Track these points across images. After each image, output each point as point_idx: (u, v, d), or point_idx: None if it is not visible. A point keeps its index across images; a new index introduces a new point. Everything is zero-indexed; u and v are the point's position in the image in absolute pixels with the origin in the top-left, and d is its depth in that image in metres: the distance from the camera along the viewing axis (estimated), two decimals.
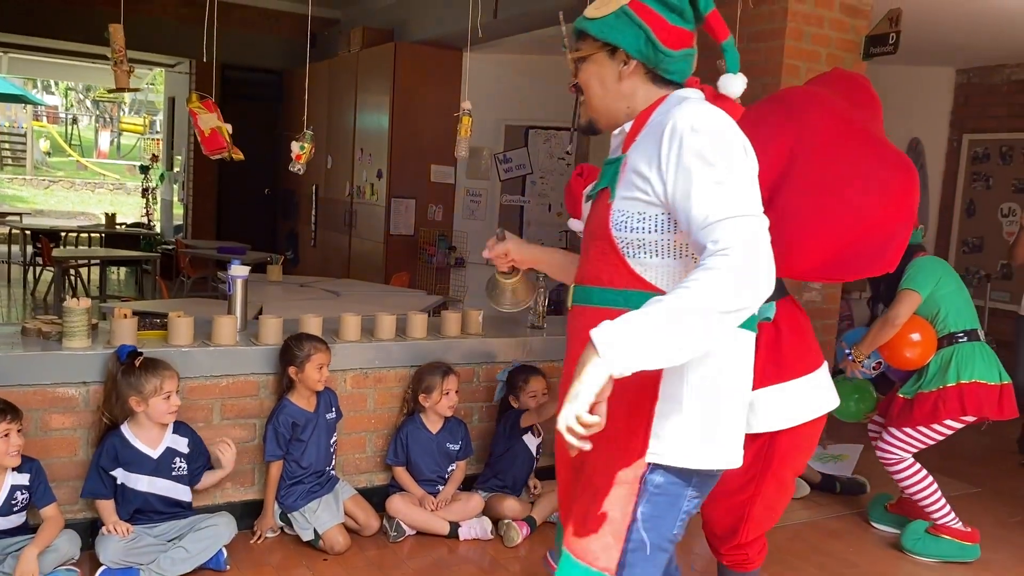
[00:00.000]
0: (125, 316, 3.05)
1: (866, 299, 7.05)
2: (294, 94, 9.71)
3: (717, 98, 1.75)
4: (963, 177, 6.82)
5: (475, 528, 3.36)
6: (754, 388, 2.30)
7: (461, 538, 3.33)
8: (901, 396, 3.52)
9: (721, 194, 1.46)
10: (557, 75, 7.13)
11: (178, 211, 11.57)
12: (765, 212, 2.10)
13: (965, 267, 6.75)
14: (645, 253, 1.59)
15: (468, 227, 8.16)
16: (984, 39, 5.71)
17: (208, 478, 3.07)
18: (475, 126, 7.68)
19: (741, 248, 1.41)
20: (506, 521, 3.37)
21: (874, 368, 3.63)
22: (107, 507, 2.87)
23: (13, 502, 2.71)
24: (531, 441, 3.59)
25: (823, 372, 2.54)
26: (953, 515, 3.45)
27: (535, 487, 3.57)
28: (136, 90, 3.91)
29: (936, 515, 3.44)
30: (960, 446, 4.79)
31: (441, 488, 3.44)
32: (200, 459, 3.05)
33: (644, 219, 1.58)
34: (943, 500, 3.45)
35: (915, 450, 3.47)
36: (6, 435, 2.63)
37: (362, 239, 8.26)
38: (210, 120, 3.44)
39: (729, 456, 1.66)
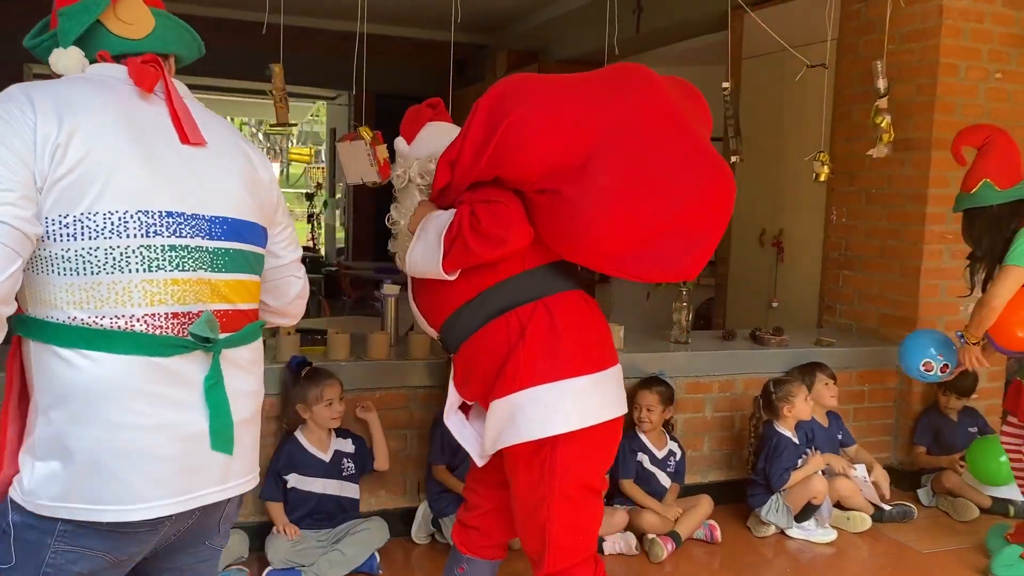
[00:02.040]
0: (289, 333, 3.29)
1: None
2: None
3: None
4: None
5: (619, 543, 3.37)
6: (525, 386, 2.15)
7: (605, 553, 3.35)
8: (1022, 381, 3.16)
9: None
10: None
11: (340, 234, 12.21)
12: (573, 186, 2.05)
13: None
14: None
15: None
16: None
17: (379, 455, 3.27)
18: None
19: None
20: (651, 536, 3.36)
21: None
22: (278, 509, 3.11)
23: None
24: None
25: (612, 374, 2.29)
26: None
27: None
28: (293, 124, 4.21)
29: None
30: None
31: None
32: (364, 457, 3.24)
33: None
34: None
35: None
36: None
37: None
38: (383, 151, 3.67)
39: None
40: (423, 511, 3.39)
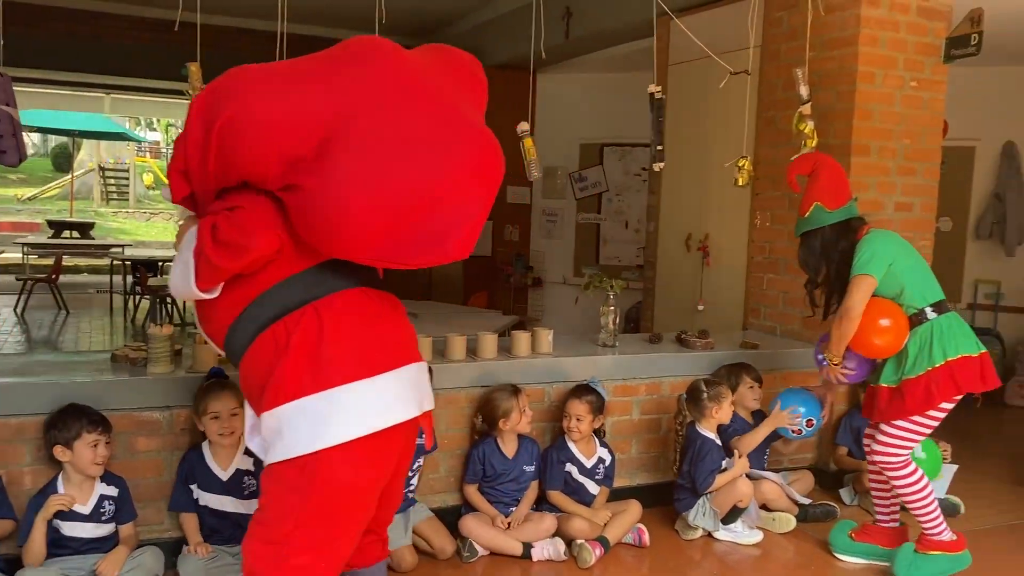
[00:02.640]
0: (204, 342, 3.17)
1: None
2: None
3: None
4: None
5: (548, 549, 3.34)
6: (290, 398, 2.02)
7: (534, 559, 3.31)
8: (885, 386, 3.22)
9: None
10: (630, 91, 7.13)
11: None
12: (313, 178, 1.94)
13: None
14: None
15: (545, 246, 8.19)
16: None
17: None
18: (551, 146, 7.76)
19: None
20: (579, 542, 3.35)
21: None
22: (190, 522, 3.00)
23: (102, 511, 2.85)
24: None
25: (400, 376, 2.14)
26: (944, 524, 3.20)
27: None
28: None
29: (930, 524, 3.18)
30: None
31: (515, 510, 3.44)
32: None
33: None
34: (938, 507, 3.20)
35: (915, 444, 3.18)
36: (95, 445, 2.79)
37: None
38: None
39: None
40: None
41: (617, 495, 3.67)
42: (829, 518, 3.83)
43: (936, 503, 3.21)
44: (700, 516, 3.57)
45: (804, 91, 3.97)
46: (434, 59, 2.17)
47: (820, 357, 3.37)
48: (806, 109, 3.95)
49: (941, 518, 3.21)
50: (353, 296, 2.13)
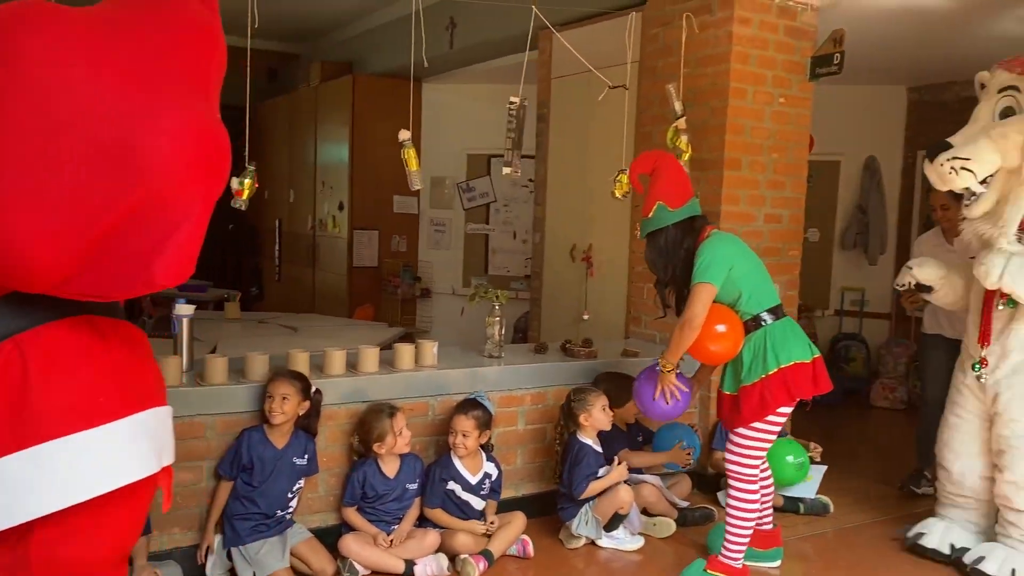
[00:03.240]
0: None
1: (828, 314, 7.10)
2: (257, 129, 9.67)
3: None
4: (919, 193, 6.89)
5: (431, 565, 3.29)
6: None
7: None
8: (727, 393, 3.26)
9: None
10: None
11: None
12: None
13: None
14: None
15: (433, 257, 8.13)
16: (932, 57, 5.80)
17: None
18: (438, 156, 7.72)
19: None
20: (463, 557, 3.31)
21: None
22: None
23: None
24: None
25: (134, 424, 1.78)
26: (742, 554, 3.25)
27: (492, 521, 3.50)
28: None
29: (733, 547, 3.23)
30: None
31: (396, 527, 3.38)
32: None
33: None
34: (748, 538, 3.25)
35: (763, 450, 3.20)
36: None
37: (325, 272, 8.20)
38: None
39: None
40: (217, 546, 3.16)
41: (503, 506, 3.65)
42: (708, 521, 3.93)
43: (749, 533, 3.24)
44: (583, 525, 3.59)
45: (678, 106, 4.08)
46: (127, 23, 1.64)
47: (655, 361, 3.36)
48: (681, 124, 4.06)
49: (744, 547, 3.24)
50: (70, 327, 1.73)
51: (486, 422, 3.48)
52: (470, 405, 3.49)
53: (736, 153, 4.32)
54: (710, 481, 4.34)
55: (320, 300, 8.24)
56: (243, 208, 3.31)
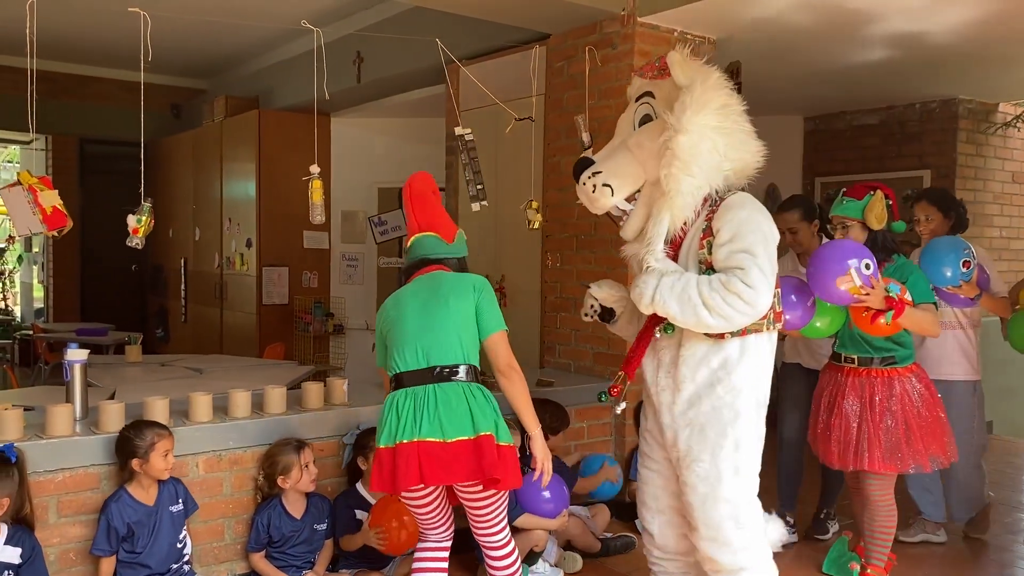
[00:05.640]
0: None
1: None
2: (160, 165, 9.39)
3: None
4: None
5: None
6: None
7: None
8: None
9: None
10: (425, 136, 7.18)
11: (39, 293, 10.93)
12: None
13: None
14: None
15: (346, 292, 8.01)
16: (823, 87, 6.05)
17: None
18: (348, 189, 7.64)
19: None
20: None
21: None
22: None
23: None
24: None
25: None
26: None
27: None
28: None
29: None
30: None
31: (309, 572, 3.25)
32: (36, 570, 2.76)
33: None
34: None
35: None
36: None
37: (234, 311, 7.97)
38: (51, 198, 3.25)
39: None
40: None
41: None
42: (629, 550, 3.93)
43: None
44: None
45: (586, 137, 4.11)
46: None
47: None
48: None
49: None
50: None
51: None
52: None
53: None
54: (628, 509, 4.34)
55: (229, 340, 8.00)
56: (139, 247, 3.17)
